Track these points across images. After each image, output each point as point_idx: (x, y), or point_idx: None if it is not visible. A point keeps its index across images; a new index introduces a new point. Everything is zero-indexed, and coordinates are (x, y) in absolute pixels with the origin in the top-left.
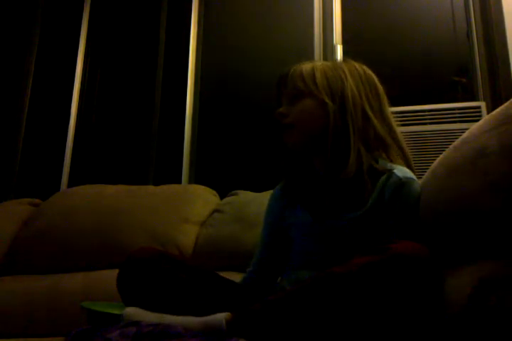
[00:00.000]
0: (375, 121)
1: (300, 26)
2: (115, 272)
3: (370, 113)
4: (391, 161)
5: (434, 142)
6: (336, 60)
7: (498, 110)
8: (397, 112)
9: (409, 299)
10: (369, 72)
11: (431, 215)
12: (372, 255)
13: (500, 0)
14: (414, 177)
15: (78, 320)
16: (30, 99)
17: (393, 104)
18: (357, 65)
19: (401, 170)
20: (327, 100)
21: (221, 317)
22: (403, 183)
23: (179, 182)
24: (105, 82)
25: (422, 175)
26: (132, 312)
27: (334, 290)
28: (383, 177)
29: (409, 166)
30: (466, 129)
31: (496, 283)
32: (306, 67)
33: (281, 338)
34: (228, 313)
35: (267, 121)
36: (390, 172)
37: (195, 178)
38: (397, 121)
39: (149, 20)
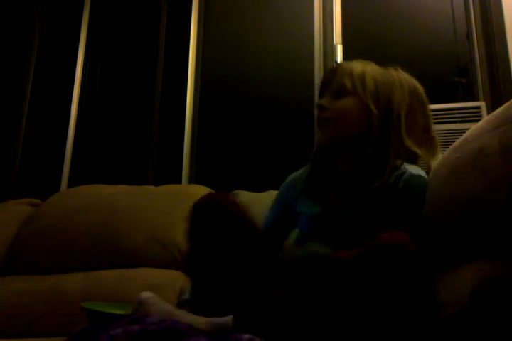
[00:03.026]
0: (414, 137)
1: (300, 26)
2: (115, 272)
3: (411, 126)
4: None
5: None
6: (388, 68)
7: (498, 110)
8: None
9: (397, 288)
10: (418, 86)
11: (432, 215)
12: (364, 246)
13: (500, 0)
14: (425, 175)
15: (78, 320)
16: (30, 99)
17: None
18: (407, 76)
19: (414, 168)
20: (371, 105)
21: (228, 317)
22: (413, 176)
23: (179, 182)
24: (105, 82)
25: None
26: (146, 299)
27: (329, 284)
28: (397, 173)
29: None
30: (467, 129)
31: (496, 283)
32: (356, 66)
33: (284, 332)
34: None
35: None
36: (404, 168)
37: (195, 178)
38: None
39: (149, 20)
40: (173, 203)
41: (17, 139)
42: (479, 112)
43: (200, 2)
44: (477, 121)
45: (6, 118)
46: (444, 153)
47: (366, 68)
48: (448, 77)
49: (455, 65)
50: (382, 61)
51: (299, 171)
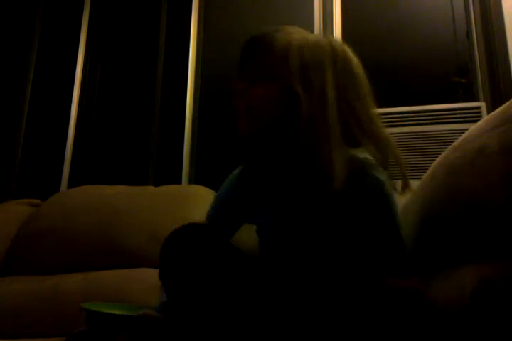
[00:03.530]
0: (357, 113)
1: (300, 26)
2: (115, 272)
3: (352, 103)
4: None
5: (434, 142)
6: (318, 35)
7: (498, 110)
8: (397, 112)
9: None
10: (351, 55)
11: (431, 215)
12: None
13: (500, 0)
14: (384, 178)
15: (78, 320)
16: (30, 99)
17: (393, 104)
18: (339, 46)
19: (378, 172)
20: (299, 89)
21: None
22: (369, 177)
23: (179, 182)
24: (105, 82)
25: (422, 175)
26: (146, 317)
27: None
28: (367, 180)
29: (399, 164)
30: (466, 130)
31: (496, 283)
32: (280, 41)
33: None
34: None
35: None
36: (370, 174)
37: (195, 178)
38: (398, 121)
39: (149, 20)
40: (173, 203)
41: (17, 139)
42: (479, 112)
43: (200, 2)
44: (477, 121)
45: (6, 118)
46: (444, 152)
47: (292, 41)
48: (448, 77)
49: (455, 65)
50: (382, 61)
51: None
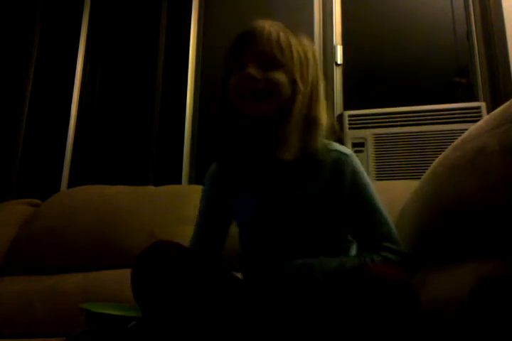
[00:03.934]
0: (322, 107)
1: (300, 27)
2: (115, 272)
3: (321, 96)
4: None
5: (434, 142)
6: (298, 35)
7: (497, 110)
8: (397, 112)
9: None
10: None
11: (431, 214)
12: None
13: (500, 0)
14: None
15: (78, 320)
16: (30, 99)
17: (393, 104)
18: (312, 45)
19: (343, 148)
20: (298, 80)
21: None
22: (345, 160)
23: (179, 182)
24: (105, 82)
25: (422, 175)
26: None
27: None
28: (333, 155)
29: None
30: (466, 130)
31: (496, 282)
32: (280, 34)
33: None
34: None
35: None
36: (336, 151)
37: (195, 178)
38: (398, 121)
39: (149, 20)
40: (173, 203)
41: (17, 139)
42: (479, 112)
43: (200, 2)
44: (477, 121)
45: (6, 118)
46: (444, 152)
47: (290, 38)
48: (448, 77)
49: (455, 65)
50: (382, 61)
51: (213, 167)
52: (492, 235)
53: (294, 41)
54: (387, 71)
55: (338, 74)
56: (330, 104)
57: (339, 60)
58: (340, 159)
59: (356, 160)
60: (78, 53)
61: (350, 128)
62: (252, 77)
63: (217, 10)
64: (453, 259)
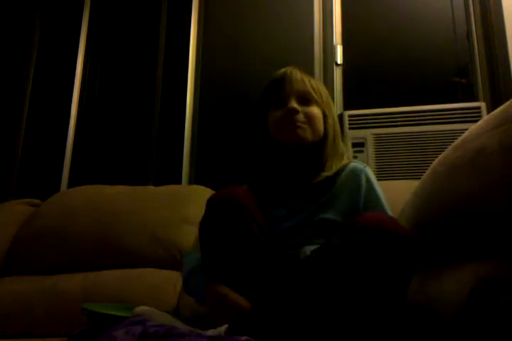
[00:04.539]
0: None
1: (300, 27)
2: (115, 272)
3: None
4: None
5: (434, 142)
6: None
7: (497, 110)
8: (397, 112)
9: (382, 269)
10: None
11: (430, 214)
12: (340, 234)
13: (500, 0)
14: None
15: (78, 320)
16: (30, 99)
17: (393, 104)
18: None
19: (357, 162)
20: (327, 113)
21: (221, 329)
22: (362, 169)
23: (179, 182)
24: (105, 83)
25: (422, 174)
26: (143, 311)
27: (310, 284)
28: (350, 166)
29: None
30: (466, 130)
31: (495, 283)
32: (309, 77)
33: (278, 333)
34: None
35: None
36: (354, 162)
37: (195, 178)
38: (398, 121)
39: (149, 21)
40: (173, 203)
41: (17, 139)
42: (479, 112)
43: (200, 2)
44: (477, 121)
45: (6, 118)
46: (444, 152)
47: (316, 80)
48: (448, 77)
49: (455, 65)
50: (382, 61)
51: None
52: (492, 235)
53: (318, 82)
54: (387, 71)
55: (338, 74)
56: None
57: (339, 60)
58: (358, 168)
59: (371, 173)
60: (78, 53)
61: (350, 128)
62: (294, 109)
63: (217, 10)
64: (453, 259)
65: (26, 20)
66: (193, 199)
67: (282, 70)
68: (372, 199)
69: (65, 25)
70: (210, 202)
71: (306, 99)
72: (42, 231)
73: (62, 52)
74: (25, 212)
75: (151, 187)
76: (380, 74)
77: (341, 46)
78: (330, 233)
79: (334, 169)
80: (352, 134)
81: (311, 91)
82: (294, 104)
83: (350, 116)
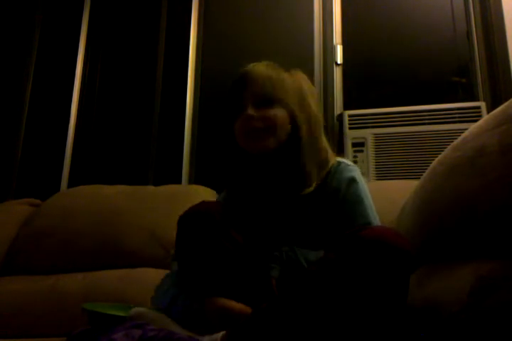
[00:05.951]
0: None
1: (300, 27)
2: (115, 272)
3: (321, 122)
4: None
5: (433, 142)
6: (291, 72)
7: (497, 110)
8: (397, 112)
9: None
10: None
11: (430, 214)
12: (337, 247)
13: (500, 0)
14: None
15: (78, 320)
16: (30, 98)
17: (393, 104)
18: (299, 72)
19: (344, 161)
20: (297, 112)
21: (217, 335)
22: (346, 168)
23: (179, 182)
24: (105, 83)
25: (422, 174)
26: (140, 312)
27: (311, 294)
28: (335, 165)
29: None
30: (466, 129)
31: (495, 282)
32: (271, 72)
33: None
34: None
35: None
36: (342, 162)
37: (195, 178)
38: (398, 121)
39: (149, 20)
40: (173, 203)
41: (17, 139)
42: (479, 112)
43: (200, 2)
44: (477, 121)
45: (6, 118)
46: (444, 151)
47: (280, 74)
48: (448, 77)
49: (455, 64)
50: (382, 61)
51: (223, 194)
52: (492, 235)
53: (284, 75)
54: (387, 71)
55: (338, 74)
56: (330, 103)
57: (339, 59)
58: (340, 165)
59: (358, 172)
60: (78, 53)
61: (350, 128)
62: (249, 116)
63: (217, 10)
64: (453, 259)
65: (26, 20)
66: (193, 199)
67: (242, 70)
68: (352, 201)
69: (65, 25)
70: (181, 220)
71: (265, 101)
72: (42, 231)
73: (62, 52)
74: (25, 212)
75: (151, 187)
76: (380, 74)
77: (341, 46)
78: (316, 245)
79: (317, 178)
80: (352, 134)
81: (271, 90)
82: (250, 111)
83: (350, 115)
